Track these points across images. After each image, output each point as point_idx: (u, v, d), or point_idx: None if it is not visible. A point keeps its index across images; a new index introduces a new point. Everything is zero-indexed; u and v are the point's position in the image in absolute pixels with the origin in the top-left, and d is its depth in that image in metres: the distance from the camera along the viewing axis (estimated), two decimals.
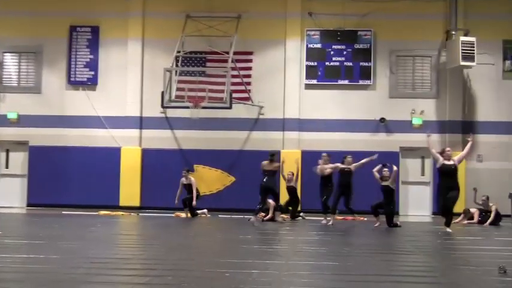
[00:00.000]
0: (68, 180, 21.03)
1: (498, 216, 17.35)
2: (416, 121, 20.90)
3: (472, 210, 17.92)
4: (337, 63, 21.22)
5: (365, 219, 17.69)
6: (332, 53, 21.26)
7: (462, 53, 19.79)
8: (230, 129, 21.03)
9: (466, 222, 17.62)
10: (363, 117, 21.03)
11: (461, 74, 21.03)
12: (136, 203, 20.86)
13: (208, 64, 21.26)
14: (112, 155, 21.05)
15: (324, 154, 17.01)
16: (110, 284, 6.86)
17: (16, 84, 22.00)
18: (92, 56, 21.64)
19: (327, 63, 21.25)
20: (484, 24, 20.67)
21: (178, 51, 20.36)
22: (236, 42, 20.27)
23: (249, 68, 21.33)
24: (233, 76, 19.83)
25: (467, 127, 20.64)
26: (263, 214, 16.93)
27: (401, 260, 9.44)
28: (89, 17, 21.65)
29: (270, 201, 16.75)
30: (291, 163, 18.45)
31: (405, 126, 20.92)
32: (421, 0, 21.10)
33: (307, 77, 21.25)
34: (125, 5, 21.55)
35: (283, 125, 21.09)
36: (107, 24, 21.60)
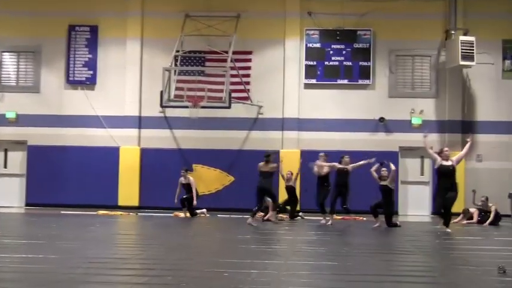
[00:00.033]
0: (66, 179, 21.00)
1: (498, 216, 17.33)
2: (416, 121, 20.88)
3: (472, 210, 17.91)
4: (337, 63, 21.20)
5: (364, 219, 17.68)
6: (331, 52, 21.23)
7: (461, 52, 19.78)
8: (229, 129, 21.00)
9: (465, 222, 17.61)
10: (362, 116, 21.01)
11: (460, 73, 21.02)
12: (135, 202, 20.84)
13: (207, 64, 21.23)
14: (111, 155, 21.02)
15: (322, 154, 16.98)
16: (108, 284, 6.83)
17: (15, 84, 21.97)
18: (90, 56, 21.61)
19: (326, 62, 21.22)
20: (483, 23, 20.65)
21: (177, 51, 20.34)
22: (235, 42, 20.24)
23: (248, 68, 21.31)
24: (232, 76, 19.79)
25: (466, 127, 20.64)
26: (262, 214, 16.90)
27: (401, 259, 9.42)
28: (87, 16, 21.61)
29: (269, 199, 16.67)
30: (291, 163, 18.44)
31: (404, 126, 20.89)
32: (420, 0, 21.09)
33: (307, 76, 21.23)
34: (123, 4, 21.52)
35: (282, 124, 21.07)
36: (106, 23, 21.57)
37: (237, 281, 6.86)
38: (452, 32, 20.63)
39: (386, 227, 15.21)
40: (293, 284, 6.94)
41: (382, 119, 20.97)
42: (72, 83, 21.65)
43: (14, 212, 19.85)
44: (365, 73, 21.09)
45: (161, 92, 19.29)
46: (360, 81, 21.15)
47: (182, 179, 18.53)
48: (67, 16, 21.57)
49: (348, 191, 16.13)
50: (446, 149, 14.78)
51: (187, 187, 18.42)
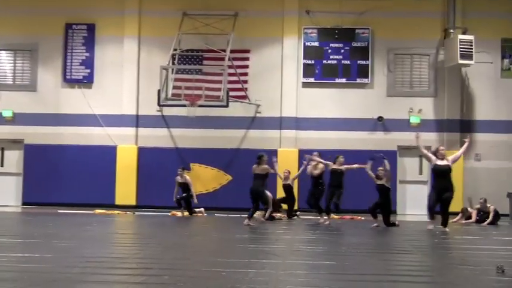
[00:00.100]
0: (63, 178, 20.94)
1: (496, 216, 17.28)
2: (414, 120, 20.85)
3: (470, 209, 17.86)
4: (335, 62, 21.16)
5: (362, 218, 17.64)
6: (329, 51, 21.20)
7: (460, 51, 19.77)
8: (227, 128, 20.96)
9: (464, 221, 17.57)
10: (361, 115, 20.98)
11: (459, 72, 20.99)
12: (132, 201, 20.79)
13: (205, 62, 21.19)
14: (108, 154, 20.97)
15: (315, 153, 16.84)
16: (105, 283, 6.79)
17: (11, 82, 21.90)
18: (87, 54, 21.54)
19: (324, 61, 21.19)
20: (482, 22, 20.63)
21: (175, 49, 20.29)
22: (233, 40, 20.19)
23: (246, 66, 21.26)
24: (230, 74, 19.76)
25: (465, 126, 20.62)
26: (261, 213, 16.80)
27: (399, 259, 9.38)
28: (84, 14, 21.56)
29: (268, 193, 16.52)
30: (289, 162, 18.38)
31: (403, 125, 20.85)
32: None
33: (305, 75, 21.18)
34: (121, 2, 21.46)
35: (280, 123, 21.03)
36: (103, 21, 21.51)
37: (235, 280, 6.82)
38: (451, 30, 20.60)
39: (384, 226, 15.16)
40: (291, 283, 6.89)
41: (380, 118, 20.94)
42: (69, 81, 21.58)
43: (11, 211, 19.79)
44: (363, 72, 21.05)
45: (159, 91, 19.23)
46: (358, 80, 21.12)
47: (178, 178, 18.47)
48: (64, 14, 21.51)
49: (342, 191, 16.01)
50: (442, 148, 14.70)
51: (184, 186, 18.36)
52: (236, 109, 20.64)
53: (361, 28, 21.13)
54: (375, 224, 15.25)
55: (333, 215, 16.41)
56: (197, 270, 7.71)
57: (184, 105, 19.32)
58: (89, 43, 21.53)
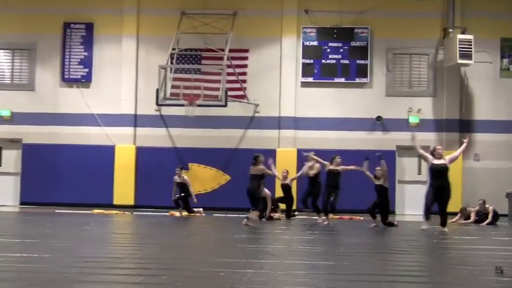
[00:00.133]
0: (61, 178, 20.91)
1: (495, 217, 17.27)
2: (413, 119, 20.84)
3: (469, 209, 17.84)
4: (334, 61, 21.15)
5: (361, 218, 17.61)
6: (328, 50, 21.18)
7: (459, 51, 19.76)
8: (225, 128, 20.94)
9: (462, 221, 17.55)
10: (360, 115, 20.96)
11: (458, 72, 20.98)
12: (130, 201, 20.76)
13: (203, 62, 21.17)
14: (106, 153, 20.94)
15: (312, 152, 16.78)
16: (103, 283, 6.76)
17: (9, 82, 21.87)
18: (86, 53, 21.52)
19: (323, 61, 21.17)
20: (481, 22, 20.63)
21: (173, 49, 20.27)
22: (232, 40, 20.18)
23: (245, 66, 21.24)
24: (228, 74, 19.75)
25: (464, 126, 20.61)
26: (254, 213, 16.74)
27: (398, 259, 9.35)
28: (83, 13, 21.54)
29: (267, 191, 16.48)
30: (287, 162, 18.34)
31: (402, 125, 20.84)
32: None
33: (303, 74, 21.16)
34: (119, 1, 21.45)
35: (278, 123, 21.01)
36: (101, 21, 21.48)
37: (233, 280, 6.79)
38: (450, 30, 20.60)
39: (383, 226, 15.14)
40: (289, 283, 6.87)
41: (379, 118, 20.92)
42: (68, 80, 21.55)
43: (9, 210, 19.76)
44: (362, 71, 21.04)
45: (157, 90, 19.21)
46: (357, 80, 21.10)
47: (176, 178, 18.43)
48: (62, 13, 21.49)
49: (339, 192, 15.95)
50: (439, 147, 14.63)
51: (181, 186, 18.31)
52: (235, 109, 20.62)
53: (360, 27, 21.11)
54: (374, 224, 15.22)
55: (331, 215, 16.38)
56: (195, 270, 7.69)
57: (182, 105, 19.31)
58: (87, 42, 21.50)
